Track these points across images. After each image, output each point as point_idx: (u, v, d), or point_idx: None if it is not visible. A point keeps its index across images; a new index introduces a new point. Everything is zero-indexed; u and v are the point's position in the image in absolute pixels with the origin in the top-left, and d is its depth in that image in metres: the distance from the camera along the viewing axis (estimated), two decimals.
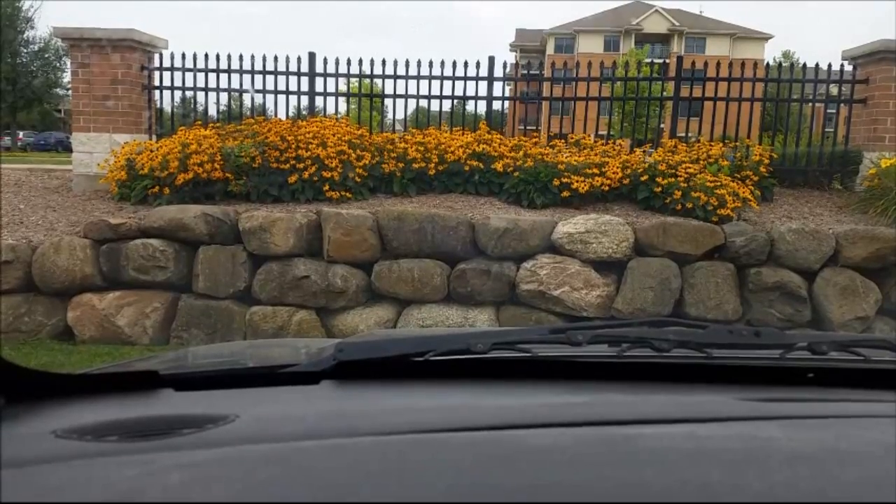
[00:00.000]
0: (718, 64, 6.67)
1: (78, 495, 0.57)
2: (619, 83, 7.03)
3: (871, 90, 6.44)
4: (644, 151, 6.35)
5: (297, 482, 0.59)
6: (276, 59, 6.73)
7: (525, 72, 7.74)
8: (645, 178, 5.69)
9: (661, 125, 7.43)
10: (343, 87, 7.27)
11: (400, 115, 7.14)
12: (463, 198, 5.86)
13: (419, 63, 6.70)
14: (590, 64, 6.77)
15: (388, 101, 7.07)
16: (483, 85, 6.77)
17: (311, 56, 6.79)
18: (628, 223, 5.23)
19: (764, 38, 45.36)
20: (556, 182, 5.65)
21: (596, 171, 5.69)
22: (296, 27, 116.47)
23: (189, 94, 7.00)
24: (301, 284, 5.12)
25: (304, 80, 6.80)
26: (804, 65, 6.76)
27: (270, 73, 6.74)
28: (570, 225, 5.17)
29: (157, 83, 6.79)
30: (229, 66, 6.72)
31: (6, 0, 29.50)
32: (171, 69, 6.74)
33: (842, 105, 6.73)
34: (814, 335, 1.02)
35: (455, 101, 7.01)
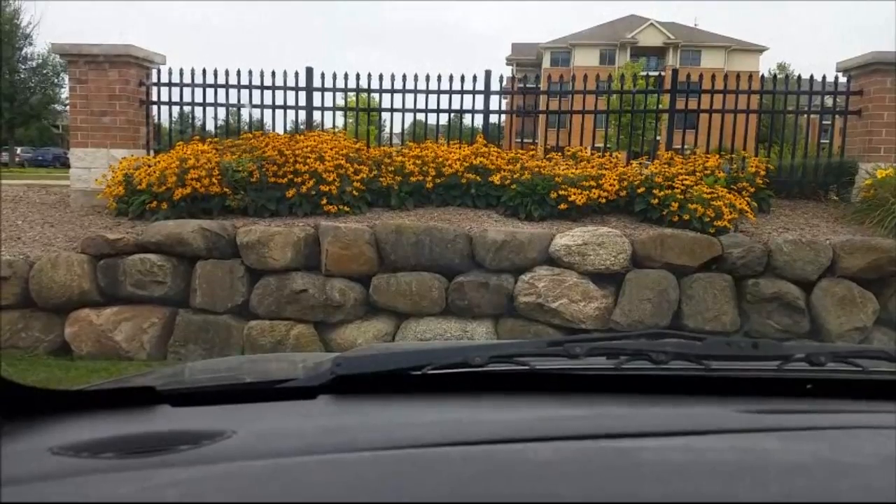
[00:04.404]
0: (714, 76, 6.72)
1: None
2: (614, 96, 7.06)
3: (865, 102, 6.48)
4: (640, 164, 6.37)
5: (295, 497, 0.58)
6: (273, 74, 6.76)
7: (521, 85, 7.77)
8: (642, 190, 5.71)
9: (658, 137, 7.46)
10: (340, 102, 7.29)
11: (397, 129, 7.17)
12: (460, 211, 5.87)
13: (416, 77, 6.74)
14: (585, 77, 6.81)
15: (386, 115, 7.11)
16: (480, 98, 6.80)
17: (309, 71, 6.82)
18: (625, 235, 5.24)
19: (759, 50, 45.67)
20: (553, 194, 5.66)
21: (593, 183, 5.71)
22: (294, 40, 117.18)
23: (187, 109, 7.02)
24: (299, 298, 5.11)
25: (302, 95, 6.83)
26: (799, 76, 6.79)
27: (268, 88, 6.77)
28: (568, 237, 5.17)
29: (154, 98, 6.81)
30: (227, 81, 6.75)
31: (4, 17, 29.61)
32: (169, 84, 6.77)
33: (837, 116, 6.77)
34: (812, 346, 1.03)
35: (452, 114, 7.04)
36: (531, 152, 6.61)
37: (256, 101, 6.82)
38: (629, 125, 7.94)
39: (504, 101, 7.32)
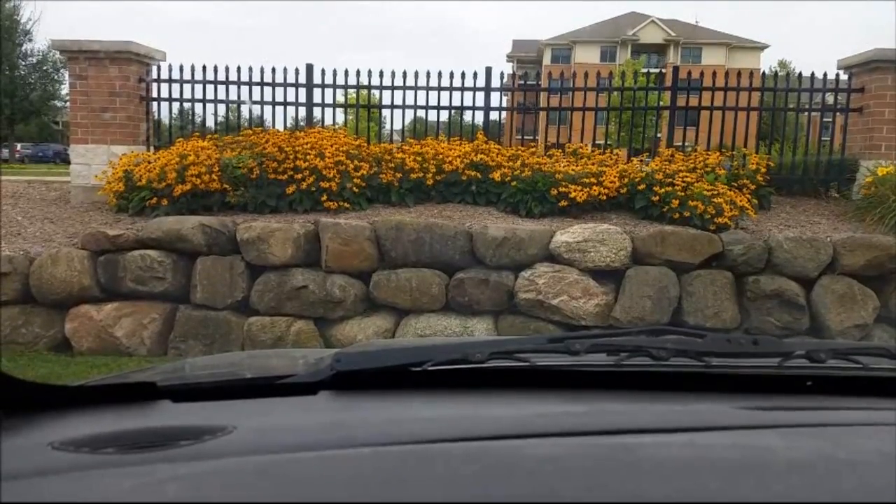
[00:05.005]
0: (714, 73, 6.71)
1: None
2: (615, 93, 7.05)
3: (866, 99, 6.47)
4: (641, 160, 6.37)
5: (294, 494, 0.58)
6: (273, 70, 6.76)
7: (522, 82, 7.77)
8: (642, 187, 5.70)
9: (658, 134, 7.46)
10: (341, 98, 7.30)
11: (398, 126, 7.17)
12: (461, 207, 5.86)
13: (417, 74, 6.73)
14: (586, 74, 6.80)
15: (386, 112, 7.10)
16: (480, 95, 6.80)
17: (309, 67, 6.81)
18: (626, 232, 5.24)
19: (760, 47, 45.60)
20: (553, 191, 5.66)
21: (593, 180, 5.71)
22: (293, 39, 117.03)
23: (187, 105, 7.02)
24: (299, 294, 5.11)
25: (303, 92, 6.82)
26: (800, 74, 6.78)
27: (269, 84, 6.76)
28: (568, 234, 5.17)
29: (154, 95, 6.81)
30: (227, 77, 6.74)
31: (4, 13, 29.57)
32: (169, 81, 6.76)
33: (838, 114, 6.76)
34: (812, 343, 1.02)
35: (453, 111, 7.03)
36: (532, 149, 6.60)
37: (256, 97, 6.81)
38: (630, 122, 7.93)
39: (505, 98, 7.33)
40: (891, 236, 5.29)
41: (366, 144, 6.41)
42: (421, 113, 6.95)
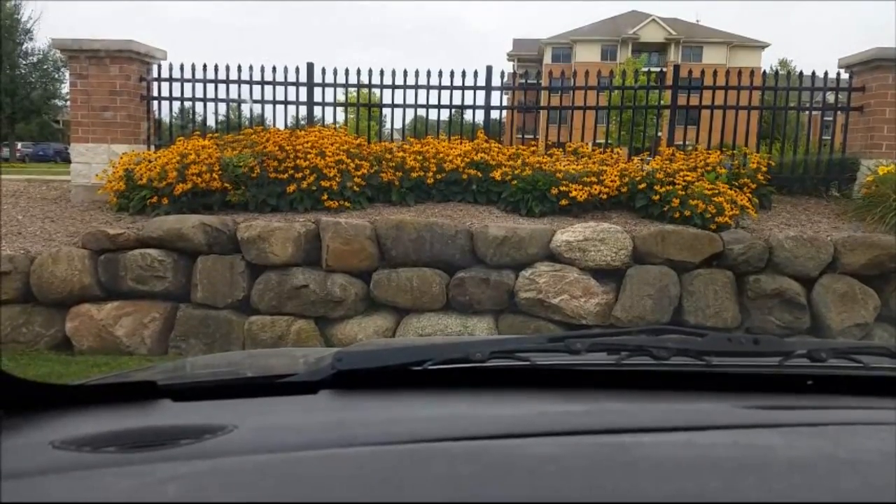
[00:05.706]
0: (715, 72, 6.70)
1: None
2: (616, 92, 7.04)
3: (867, 98, 6.47)
4: (642, 160, 6.36)
5: (295, 493, 0.58)
6: (274, 69, 6.76)
7: (523, 81, 7.76)
8: (643, 186, 5.70)
9: (659, 133, 7.45)
10: (342, 97, 7.31)
11: (398, 125, 7.17)
12: (461, 206, 5.86)
13: (417, 73, 6.73)
14: (587, 73, 6.80)
15: (387, 111, 7.10)
16: (481, 94, 6.80)
17: (310, 66, 6.81)
18: (627, 231, 5.24)
19: (761, 46, 45.54)
20: (554, 190, 5.66)
21: (594, 179, 5.71)
22: (296, 39, 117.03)
23: (188, 104, 7.02)
24: (300, 294, 5.11)
25: (303, 91, 6.82)
26: (801, 73, 6.78)
27: (269, 83, 6.76)
28: (569, 233, 5.17)
29: (155, 94, 6.81)
30: (228, 76, 6.74)
31: (5, 12, 29.57)
32: (170, 80, 6.76)
33: (839, 113, 6.75)
34: (813, 342, 1.02)
35: (453, 110, 7.03)
36: (532, 148, 6.60)
37: (257, 96, 6.82)
38: (630, 121, 7.93)
39: (505, 97, 7.32)
40: (891, 235, 5.28)
41: (366, 143, 6.41)
42: (421, 112, 6.96)
